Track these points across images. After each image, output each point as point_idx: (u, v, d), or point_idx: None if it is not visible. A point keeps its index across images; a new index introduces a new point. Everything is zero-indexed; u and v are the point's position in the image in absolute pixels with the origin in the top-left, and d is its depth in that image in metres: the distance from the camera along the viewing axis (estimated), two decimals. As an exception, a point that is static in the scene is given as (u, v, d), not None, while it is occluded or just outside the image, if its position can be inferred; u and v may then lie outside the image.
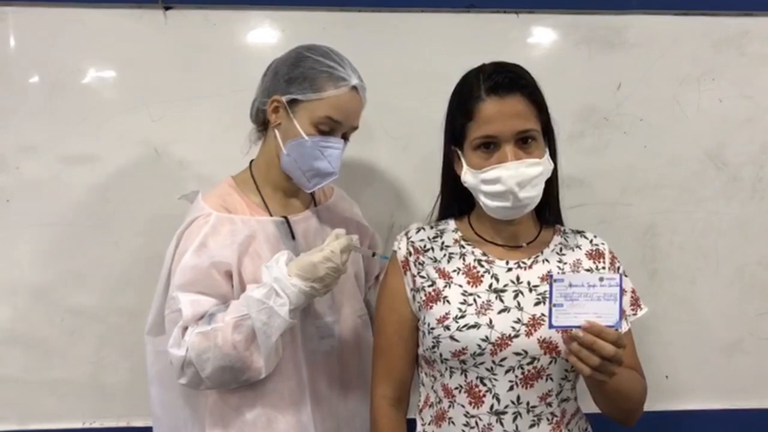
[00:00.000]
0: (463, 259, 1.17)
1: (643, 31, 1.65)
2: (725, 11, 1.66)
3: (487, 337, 1.09)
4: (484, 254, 1.18)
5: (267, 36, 1.62)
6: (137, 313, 1.49)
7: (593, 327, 0.98)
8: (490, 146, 1.10)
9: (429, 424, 1.19)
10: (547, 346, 1.09)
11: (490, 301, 1.12)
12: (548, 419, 1.12)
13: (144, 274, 1.51)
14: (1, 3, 1.56)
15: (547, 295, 1.01)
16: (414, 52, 1.62)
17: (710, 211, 1.70)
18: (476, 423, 1.12)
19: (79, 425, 1.63)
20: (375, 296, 1.44)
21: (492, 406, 1.11)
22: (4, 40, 1.57)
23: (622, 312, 1.00)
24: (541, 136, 1.13)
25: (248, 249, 1.24)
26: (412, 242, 1.21)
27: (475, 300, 1.12)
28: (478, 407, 1.11)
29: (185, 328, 1.18)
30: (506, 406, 1.10)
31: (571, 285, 1.00)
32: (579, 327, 0.98)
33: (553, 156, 1.17)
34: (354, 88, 1.26)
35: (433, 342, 1.12)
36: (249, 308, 1.16)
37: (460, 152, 1.16)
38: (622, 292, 1.00)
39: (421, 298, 1.16)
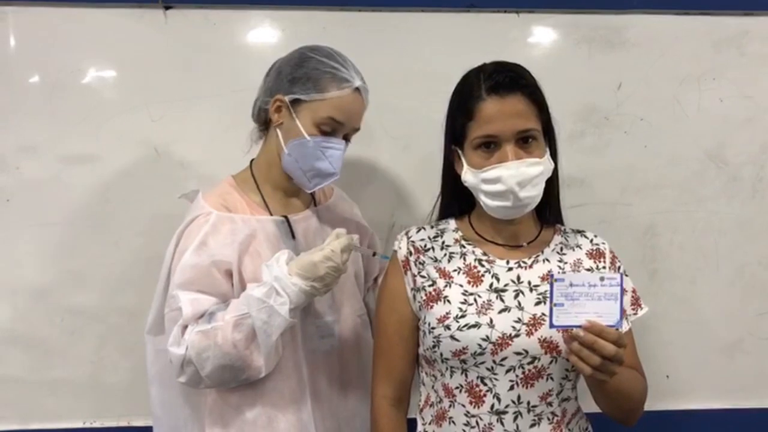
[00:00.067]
0: (464, 259, 1.17)
1: (643, 31, 1.65)
2: (726, 11, 1.66)
3: (487, 336, 1.09)
4: (484, 254, 1.18)
5: (267, 36, 1.62)
6: (137, 312, 1.49)
7: (594, 326, 0.98)
8: (490, 146, 1.10)
9: (429, 423, 1.19)
10: (548, 345, 1.09)
11: (490, 300, 1.12)
12: (549, 419, 1.12)
13: (144, 273, 1.51)
14: (1, 3, 1.56)
15: (548, 295, 1.01)
16: (414, 52, 1.62)
17: (710, 211, 1.70)
18: (477, 422, 1.12)
19: (79, 425, 1.63)
20: (374, 298, 1.44)
21: (492, 406, 1.11)
22: (4, 39, 1.57)
23: (622, 311, 1.00)
24: (541, 135, 1.13)
25: (248, 248, 1.24)
26: (413, 242, 1.21)
27: (475, 299, 1.12)
28: (478, 407, 1.11)
29: (185, 327, 1.18)
30: (507, 406, 1.10)
31: (571, 284, 1.00)
32: (580, 326, 0.98)
33: (554, 155, 1.17)
34: (357, 89, 1.26)
35: (433, 342, 1.12)
36: (249, 307, 1.16)
37: (460, 152, 1.15)
38: (623, 291, 1.00)
39: (421, 297, 1.16)
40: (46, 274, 1.60)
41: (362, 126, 1.32)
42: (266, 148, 1.33)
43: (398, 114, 1.62)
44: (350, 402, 1.37)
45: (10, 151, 1.58)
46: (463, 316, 1.11)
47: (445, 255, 1.19)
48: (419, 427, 1.22)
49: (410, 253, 1.20)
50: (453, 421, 1.14)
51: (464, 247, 1.19)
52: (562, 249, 1.20)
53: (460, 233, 1.22)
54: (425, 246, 1.20)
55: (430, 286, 1.16)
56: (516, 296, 1.13)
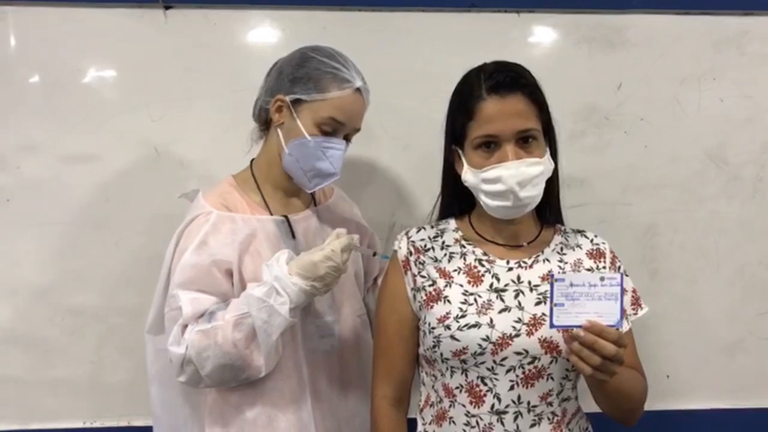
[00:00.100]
0: (464, 259, 1.17)
1: (643, 31, 1.65)
2: (726, 11, 1.66)
3: (487, 336, 1.09)
4: (484, 254, 1.18)
5: (267, 35, 1.62)
6: (137, 312, 1.49)
7: (594, 326, 0.98)
8: (490, 145, 1.10)
9: (430, 423, 1.19)
10: (548, 345, 1.09)
11: (490, 300, 1.12)
12: (549, 419, 1.12)
13: (144, 273, 1.51)
14: (2, 2, 1.56)
15: (548, 295, 1.01)
16: (415, 52, 1.62)
17: (711, 211, 1.70)
18: (477, 422, 1.11)
19: (79, 425, 1.63)
20: (374, 298, 1.44)
21: (493, 406, 1.11)
22: (4, 39, 1.57)
23: (623, 311, 0.99)
24: (541, 135, 1.13)
25: (249, 247, 1.24)
26: (413, 242, 1.21)
27: (475, 299, 1.12)
28: (478, 407, 1.11)
29: (185, 326, 1.18)
30: (507, 406, 1.10)
31: (572, 284, 1.00)
32: (580, 326, 0.98)
33: (554, 155, 1.17)
34: (358, 90, 1.26)
35: (433, 342, 1.12)
36: (249, 306, 1.16)
37: (460, 151, 1.15)
38: (623, 291, 1.00)
39: (421, 297, 1.16)
40: (47, 274, 1.60)
41: (362, 126, 1.32)
42: (267, 148, 1.33)
43: (398, 114, 1.62)
44: (350, 402, 1.37)
45: (11, 150, 1.58)
46: (463, 316, 1.11)
47: (445, 255, 1.19)
48: (419, 427, 1.22)
49: (410, 253, 1.20)
50: (453, 421, 1.14)
51: (464, 247, 1.19)
52: (562, 249, 1.20)
53: (460, 233, 1.21)
54: (425, 246, 1.20)
55: (430, 286, 1.16)
56: (516, 296, 1.13)
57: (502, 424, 1.11)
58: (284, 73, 1.26)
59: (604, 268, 1.19)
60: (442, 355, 1.11)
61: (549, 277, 1.02)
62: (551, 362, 1.10)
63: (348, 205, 1.49)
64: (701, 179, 1.69)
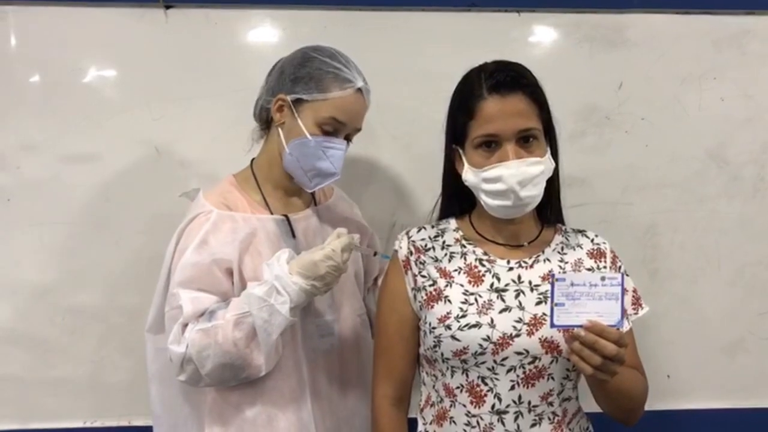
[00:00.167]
0: (465, 259, 1.17)
1: (644, 30, 1.65)
2: (726, 10, 1.65)
3: (488, 336, 1.09)
4: (485, 253, 1.18)
5: (268, 35, 1.62)
6: (138, 312, 1.49)
7: (595, 326, 0.97)
8: (491, 145, 1.10)
9: (430, 423, 1.19)
10: (549, 345, 1.09)
11: (491, 300, 1.12)
12: (549, 419, 1.12)
13: (145, 273, 1.51)
14: (2, 2, 1.56)
15: (549, 295, 1.01)
16: (415, 51, 1.61)
17: (711, 211, 1.70)
18: (477, 422, 1.11)
19: (79, 424, 1.63)
20: (373, 298, 1.45)
21: (493, 406, 1.10)
22: (4, 39, 1.57)
23: (623, 311, 0.99)
24: (542, 135, 1.12)
25: (249, 247, 1.24)
26: (413, 241, 1.21)
27: (476, 299, 1.12)
28: (479, 407, 1.11)
29: (185, 325, 1.18)
30: (507, 406, 1.10)
31: (572, 284, 1.00)
32: (581, 326, 0.98)
33: (555, 155, 1.17)
34: (359, 90, 1.26)
35: (434, 341, 1.12)
36: (250, 306, 1.16)
37: (461, 151, 1.15)
38: (624, 291, 1.00)
39: (422, 297, 1.16)
40: (47, 274, 1.60)
41: (363, 126, 1.32)
42: (267, 148, 1.33)
43: (399, 113, 1.61)
44: (350, 401, 1.37)
45: (11, 150, 1.58)
46: (463, 316, 1.11)
47: (445, 255, 1.19)
48: (420, 427, 1.22)
49: (411, 253, 1.20)
50: (454, 421, 1.14)
51: (465, 246, 1.19)
52: (562, 249, 1.20)
53: (460, 233, 1.21)
54: (426, 246, 1.20)
55: (430, 285, 1.16)
56: (517, 296, 1.13)
57: (503, 424, 1.11)
58: (286, 72, 1.26)
59: (605, 267, 1.19)
60: (442, 354, 1.11)
61: (550, 277, 1.02)
62: (552, 362, 1.10)
63: (348, 204, 1.49)
64: (702, 179, 1.69)
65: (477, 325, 1.09)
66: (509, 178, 1.08)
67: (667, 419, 1.70)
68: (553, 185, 1.18)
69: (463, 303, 1.12)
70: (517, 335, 1.09)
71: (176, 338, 1.18)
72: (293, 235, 1.31)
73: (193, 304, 1.18)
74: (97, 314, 1.61)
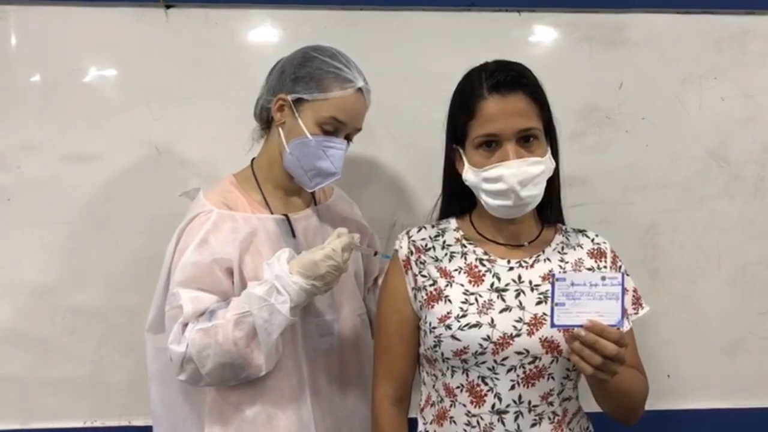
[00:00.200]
0: (465, 258, 1.17)
1: (644, 30, 1.65)
2: (727, 10, 1.65)
3: (488, 336, 1.09)
4: (485, 253, 1.18)
5: (268, 35, 1.62)
6: (138, 312, 1.49)
7: (595, 326, 0.97)
8: (491, 144, 1.10)
9: (430, 423, 1.19)
10: (549, 345, 1.09)
11: (491, 300, 1.12)
12: (550, 418, 1.12)
13: (145, 273, 1.50)
14: (2, 2, 1.56)
15: (549, 294, 1.01)
16: (415, 51, 1.61)
17: (712, 210, 1.70)
18: (478, 422, 1.11)
19: (80, 424, 1.63)
20: (373, 299, 1.45)
21: (493, 406, 1.10)
22: (5, 38, 1.57)
23: (624, 311, 0.99)
24: (543, 134, 1.12)
25: (249, 246, 1.24)
26: (414, 241, 1.21)
27: (476, 299, 1.12)
28: (479, 406, 1.11)
29: (185, 325, 1.18)
30: (508, 406, 1.10)
31: (573, 284, 1.00)
32: (581, 326, 0.98)
33: (555, 155, 1.17)
34: (359, 90, 1.26)
35: (434, 341, 1.12)
36: (250, 305, 1.16)
37: (461, 151, 1.15)
38: (624, 291, 1.00)
39: (422, 297, 1.16)
40: (47, 274, 1.60)
41: (363, 125, 1.32)
42: (268, 147, 1.33)
43: (399, 113, 1.61)
44: (349, 400, 1.37)
45: (11, 150, 1.58)
46: (464, 316, 1.11)
47: (446, 254, 1.19)
48: (420, 427, 1.22)
49: (411, 253, 1.20)
50: (454, 421, 1.14)
51: (465, 246, 1.19)
52: (563, 248, 1.20)
53: (461, 232, 1.21)
54: (426, 245, 1.20)
55: (431, 285, 1.16)
56: (517, 296, 1.13)
57: (503, 423, 1.11)
58: (286, 72, 1.26)
59: (605, 267, 1.19)
60: (442, 354, 1.11)
61: (550, 277, 1.02)
62: (552, 362, 1.10)
63: (348, 204, 1.49)
64: (702, 179, 1.69)
65: (477, 324, 1.09)
66: (510, 178, 1.08)
67: (668, 419, 1.70)
68: (553, 185, 1.18)
69: (463, 303, 1.12)
70: (518, 335, 1.09)
71: (176, 338, 1.18)
72: (293, 235, 1.31)
73: (194, 303, 1.18)
74: (97, 314, 1.61)
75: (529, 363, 1.09)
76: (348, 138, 1.30)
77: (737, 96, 1.67)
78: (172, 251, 1.25)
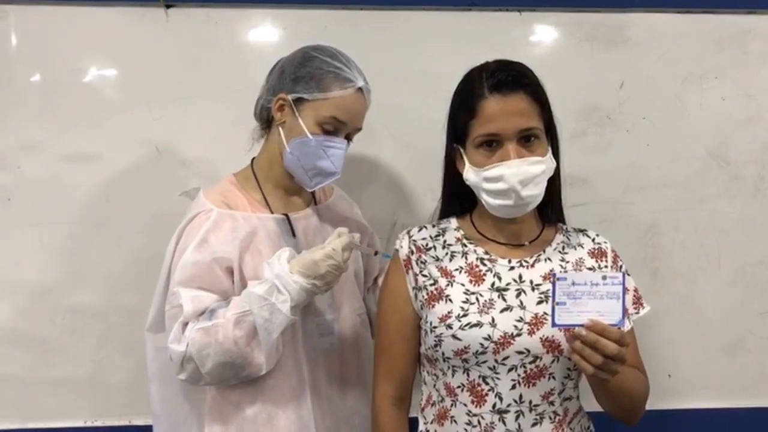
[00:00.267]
0: (466, 258, 1.17)
1: (645, 30, 1.65)
2: (728, 9, 1.65)
3: (489, 335, 1.09)
4: (486, 253, 1.18)
5: (269, 34, 1.62)
6: (138, 311, 1.49)
7: (596, 325, 0.97)
8: (492, 144, 1.10)
9: (431, 422, 1.19)
10: (550, 344, 1.09)
11: (492, 299, 1.12)
12: (551, 418, 1.12)
13: (145, 272, 1.50)
14: (2, 1, 1.56)
15: (550, 294, 1.01)
16: (416, 51, 1.61)
17: (712, 210, 1.70)
18: (478, 422, 1.11)
19: (80, 423, 1.63)
20: (373, 298, 1.45)
21: (494, 405, 1.10)
22: (5, 38, 1.57)
23: (624, 310, 0.99)
24: (543, 134, 1.12)
25: (249, 245, 1.24)
26: (414, 241, 1.21)
27: (477, 299, 1.12)
28: (480, 406, 1.11)
29: (186, 324, 1.18)
30: (509, 405, 1.10)
31: (574, 283, 1.00)
32: (582, 325, 0.98)
33: (556, 154, 1.17)
34: (359, 89, 1.26)
35: (435, 341, 1.12)
36: (251, 304, 1.16)
37: (462, 150, 1.15)
38: (625, 290, 1.00)
39: (423, 296, 1.16)
40: (47, 273, 1.60)
41: (364, 125, 1.32)
42: (268, 147, 1.33)
43: (400, 113, 1.61)
44: (349, 400, 1.37)
45: (11, 149, 1.58)
46: (464, 315, 1.10)
47: (446, 254, 1.18)
48: (421, 426, 1.22)
49: (412, 252, 1.20)
50: (455, 420, 1.14)
51: (466, 246, 1.19)
52: (563, 248, 1.20)
53: (461, 232, 1.21)
54: (427, 245, 1.20)
55: (431, 285, 1.16)
56: (518, 295, 1.12)
57: (504, 423, 1.10)
58: (286, 72, 1.26)
59: (606, 267, 1.19)
60: (443, 354, 1.11)
61: (551, 276, 1.02)
62: (553, 361, 1.10)
63: (348, 204, 1.49)
64: (703, 178, 1.69)
65: (478, 324, 1.09)
66: (510, 178, 1.08)
67: (668, 419, 1.70)
68: (554, 184, 1.18)
69: (464, 302, 1.12)
70: (518, 334, 1.09)
71: (176, 337, 1.18)
72: (293, 234, 1.31)
73: (194, 302, 1.18)
74: (97, 314, 1.61)
75: (530, 362, 1.09)
76: (348, 138, 1.30)
77: (738, 96, 1.67)
78: (172, 251, 1.25)
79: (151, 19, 1.58)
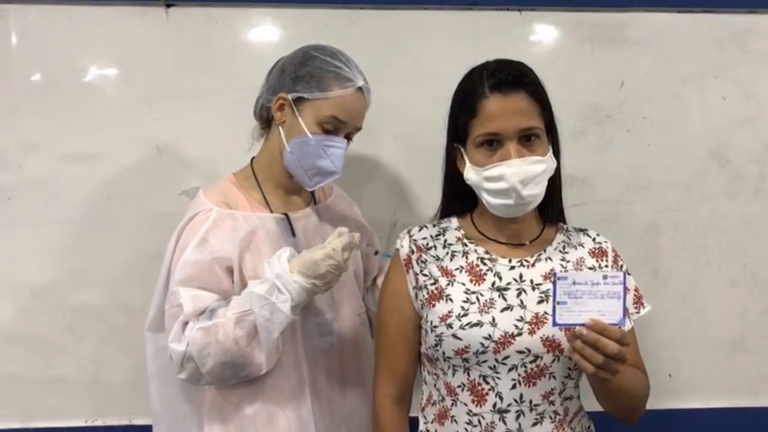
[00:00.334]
0: (466, 257, 1.17)
1: (645, 29, 1.65)
2: (728, 9, 1.65)
3: (489, 335, 1.09)
4: (486, 252, 1.17)
5: (269, 34, 1.61)
6: (139, 311, 1.48)
7: (597, 325, 0.97)
8: (493, 143, 1.10)
9: (431, 422, 1.19)
10: (550, 344, 1.09)
11: (492, 299, 1.12)
12: (551, 417, 1.12)
13: (145, 272, 1.51)
14: (3, 1, 1.56)
15: (551, 293, 1.01)
16: (416, 50, 1.61)
17: (713, 210, 1.70)
18: (479, 421, 1.11)
19: (81, 423, 1.63)
20: (372, 298, 1.45)
21: (495, 405, 1.10)
22: (5, 37, 1.57)
23: (625, 310, 0.99)
24: (544, 133, 1.12)
25: (249, 245, 1.24)
26: (415, 240, 1.21)
27: (477, 298, 1.12)
28: (480, 405, 1.11)
29: (186, 323, 1.18)
30: (509, 405, 1.10)
31: (574, 283, 0.99)
32: (582, 325, 0.98)
33: (556, 154, 1.17)
34: (360, 89, 1.26)
35: (435, 340, 1.12)
36: (251, 304, 1.16)
37: (462, 150, 1.15)
38: (626, 290, 1.00)
39: (423, 296, 1.16)
40: (48, 273, 1.60)
41: (364, 124, 1.32)
42: (268, 146, 1.33)
43: (400, 112, 1.61)
44: (349, 400, 1.37)
45: (12, 149, 1.58)
46: (465, 315, 1.10)
47: (447, 253, 1.18)
48: (421, 426, 1.22)
49: (412, 252, 1.20)
50: (455, 420, 1.14)
51: (466, 245, 1.19)
52: (564, 247, 1.20)
53: (462, 231, 1.21)
54: (427, 244, 1.20)
55: (432, 284, 1.16)
56: (518, 295, 1.12)
57: (504, 422, 1.10)
58: (287, 71, 1.26)
59: (607, 266, 1.19)
60: (444, 353, 1.11)
61: (551, 276, 1.02)
62: (553, 361, 1.10)
63: (348, 203, 1.49)
64: (703, 178, 1.69)
65: (478, 323, 1.09)
66: (511, 177, 1.08)
67: (669, 418, 1.70)
68: (554, 184, 1.18)
69: (464, 302, 1.12)
70: (519, 334, 1.09)
71: (176, 336, 1.18)
72: (293, 234, 1.31)
73: (194, 302, 1.18)
74: (97, 313, 1.61)
75: (531, 362, 1.09)
76: (348, 137, 1.30)
77: (738, 95, 1.67)
78: (172, 250, 1.25)
79: (151, 18, 1.58)
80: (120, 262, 1.60)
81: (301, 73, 1.24)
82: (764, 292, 1.72)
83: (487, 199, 1.13)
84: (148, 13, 1.58)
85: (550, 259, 1.17)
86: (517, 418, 1.10)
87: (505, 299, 1.12)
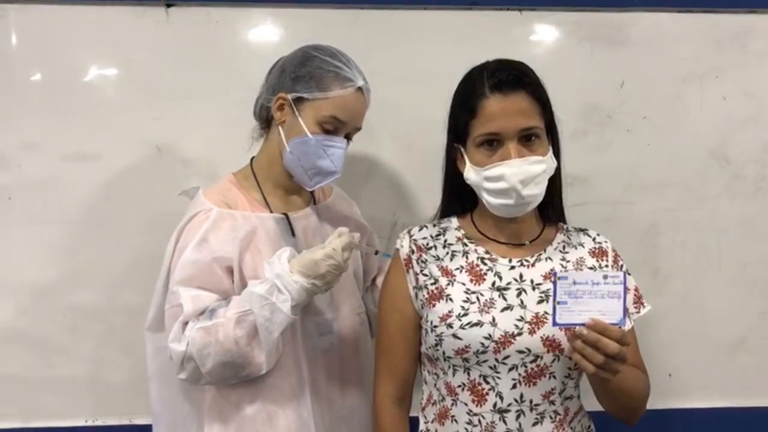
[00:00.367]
0: (466, 257, 1.17)
1: (646, 29, 1.65)
2: (728, 8, 1.65)
3: (490, 335, 1.09)
4: (486, 252, 1.17)
5: (269, 33, 1.62)
6: (139, 311, 1.47)
7: (597, 324, 0.97)
8: (493, 143, 1.10)
9: (432, 422, 1.19)
10: (551, 344, 1.09)
11: (493, 299, 1.12)
12: (551, 417, 1.12)
13: (145, 272, 1.50)
14: (2, 0, 1.55)
15: (551, 293, 1.01)
16: (416, 50, 1.61)
17: (713, 210, 1.70)
18: (479, 421, 1.11)
19: (81, 423, 1.63)
20: (372, 298, 1.45)
21: (495, 404, 1.10)
22: (5, 37, 1.57)
23: (626, 309, 0.99)
24: (544, 133, 1.12)
25: (249, 245, 1.25)
26: (415, 240, 1.21)
27: (477, 298, 1.12)
28: (481, 405, 1.11)
29: (186, 323, 1.18)
30: (509, 405, 1.10)
31: (575, 282, 1.00)
32: (583, 324, 0.98)
33: (557, 154, 1.17)
34: (359, 89, 1.26)
35: (435, 340, 1.12)
36: (251, 304, 1.16)
37: (463, 149, 1.15)
38: (626, 289, 1.00)
39: (423, 296, 1.16)
40: (48, 273, 1.60)
41: (364, 124, 1.32)
42: (267, 146, 1.33)
43: (400, 112, 1.61)
44: (349, 399, 1.37)
45: (12, 148, 1.58)
46: (465, 315, 1.10)
47: (447, 253, 1.18)
48: (421, 426, 1.22)
49: (412, 252, 1.20)
50: (455, 420, 1.14)
51: (466, 245, 1.19)
52: (564, 247, 1.20)
53: (462, 231, 1.21)
54: (427, 244, 1.20)
55: (432, 284, 1.16)
56: (518, 294, 1.12)
57: (505, 422, 1.10)
58: (286, 71, 1.26)
59: (607, 266, 1.19)
60: (444, 353, 1.11)
61: (551, 276, 1.02)
62: (554, 361, 1.10)
63: (347, 203, 1.49)
64: (703, 178, 1.69)
65: (479, 323, 1.09)
66: (511, 177, 1.08)
67: (669, 418, 1.70)
68: (554, 184, 1.18)
69: (464, 301, 1.12)
70: (519, 334, 1.09)
71: (176, 336, 1.18)
72: (293, 234, 1.31)
73: (194, 302, 1.18)
74: (97, 313, 1.61)
75: (531, 362, 1.09)
76: (348, 137, 1.30)
77: (738, 95, 1.67)
78: (172, 250, 1.25)
79: (151, 18, 1.58)
80: (120, 262, 1.60)
81: (301, 73, 1.24)
82: (764, 292, 1.72)
83: (487, 199, 1.13)
84: (148, 13, 1.58)
85: (550, 258, 1.17)
86: (518, 417, 1.10)
87: (505, 299, 1.12)
